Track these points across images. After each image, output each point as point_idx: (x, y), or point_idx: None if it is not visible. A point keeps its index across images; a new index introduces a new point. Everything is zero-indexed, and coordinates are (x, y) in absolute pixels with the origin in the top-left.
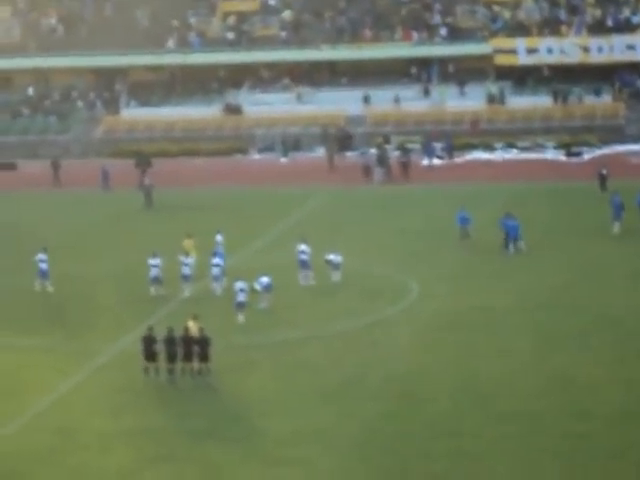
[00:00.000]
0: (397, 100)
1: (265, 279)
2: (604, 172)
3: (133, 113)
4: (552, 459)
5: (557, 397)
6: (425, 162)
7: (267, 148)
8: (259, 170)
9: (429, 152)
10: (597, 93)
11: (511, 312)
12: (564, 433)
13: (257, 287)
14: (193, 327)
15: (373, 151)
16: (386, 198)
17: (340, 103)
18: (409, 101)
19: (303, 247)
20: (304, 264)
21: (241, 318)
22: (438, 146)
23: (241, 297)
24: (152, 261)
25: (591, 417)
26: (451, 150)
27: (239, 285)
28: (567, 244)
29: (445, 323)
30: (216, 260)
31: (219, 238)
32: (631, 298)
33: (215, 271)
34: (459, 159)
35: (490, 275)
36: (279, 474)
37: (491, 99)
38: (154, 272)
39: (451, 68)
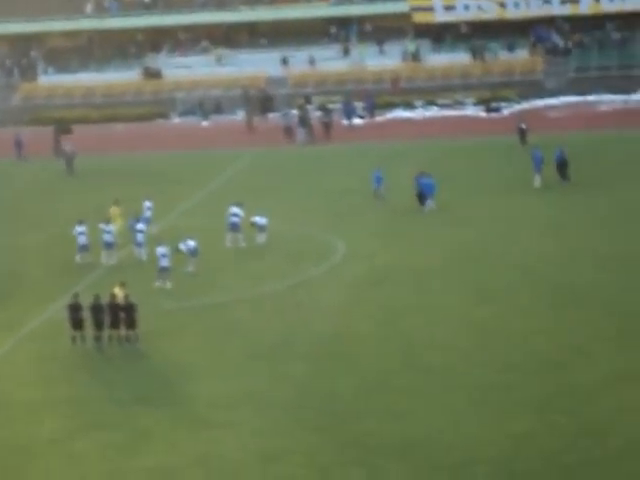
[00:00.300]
0: (312, 61)
1: (191, 243)
2: (523, 126)
3: (51, 80)
4: (478, 410)
5: (482, 350)
6: (345, 122)
7: (188, 112)
8: (181, 134)
9: (349, 112)
10: (514, 48)
11: (436, 268)
12: (489, 385)
13: (182, 248)
14: (119, 294)
15: (295, 112)
16: (309, 159)
17: (260, 65)
18: (329, 61)
19: (236, 210)
20: (235, 226)
21: (165, 283)
22: (359, 105)
23: (164, 262)
24: (79, 228)
25: (514, 368)
26: (373, 109)
27: (161, 250)
28: (489, 199)
29: (371, 282)
30: (139, 226)
31: (147, 204)
32: (554, 250)
33: (139, 237)
34: (380, 118)
35: (414, 233)
36: (211, 437)
37: (410, 57)
38: (81, 240)
39: (370, 27)
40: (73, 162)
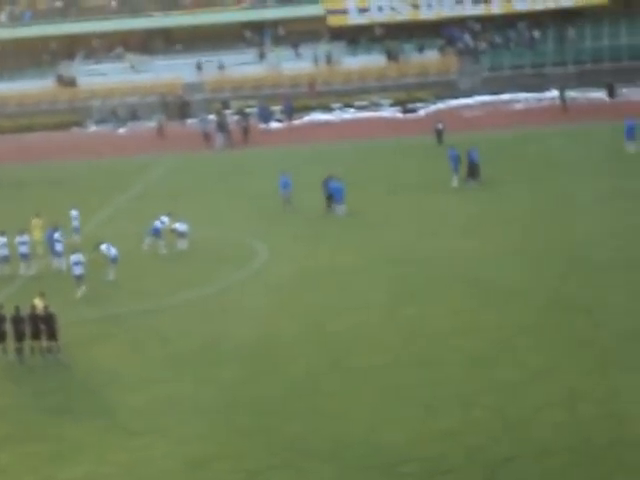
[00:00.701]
0: (221, 67)
1: (112, 250)
2: (440, 127)
3: None
4: (405, 409)
5: (408, 349)
6: (262, 126)
7: (103, 120)
8: (97, 142)
9: (266, 116)
10: (428, 49)
11: (360, 269)
12: (416, 383)
13: (103, 248)
14: (39, 304)
15: (212, 117)
16: (228, 163)
17: (176, 71)
18: (245, 65)
19: (164, 219)
20: (156, 232)
21: (81, 291)
22: (277, 109)
23: (77, 270)
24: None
25: (440, 366)
26: (290, 112)
27: (74, 258)
28: (409, 199)
29: (296, 284)
30: (57, 235)
31: (74, 213)
32: (474, 248)
33: (58, 247)
34: (298, 121)
35: (336, 235)
36: (139, 445)
37: (325, 60)
38: (2, 251)
39: (285, 31)
40: None
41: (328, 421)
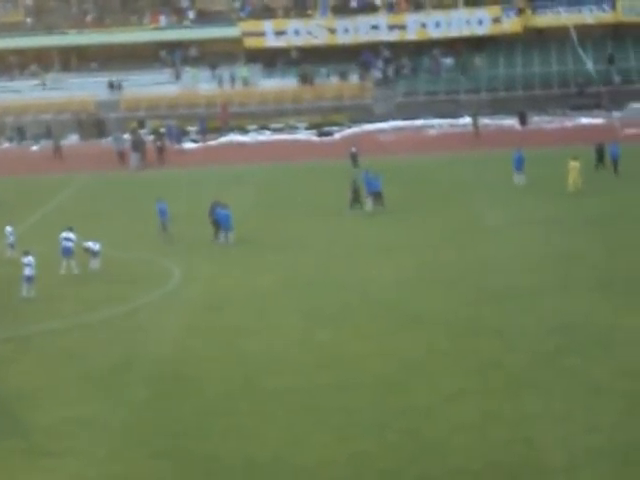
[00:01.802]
0: (115, 86)
1: (27, 268)
2: (354, 150)
3: None
4: (319, 432)
5: (321, 372)
6: (176, 146)
7: (16, 136)
8: (11, 159)
9: (175, 136)
10: (343, 74)
11: (274, 292)
12: (330, 407)
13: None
14: None
15: (127, 136)
16: (142, 184)
17: (91, 88)
18: (160, 85)
19: (68, 235)
20: (68, 251)
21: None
22: (193, 129)
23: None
24: None
25: (353, 390)
26: (205, 133)
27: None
28: (322, 222)
29: (210, 305)
30: None
31: (9, 229)
32: (387, 272)
33: None
34: (214, 142)
35: (249, 258)
36: (49, 466)
37: (241, 82)
38: None
39: (201, 51)
40: None
41: (242, 441)
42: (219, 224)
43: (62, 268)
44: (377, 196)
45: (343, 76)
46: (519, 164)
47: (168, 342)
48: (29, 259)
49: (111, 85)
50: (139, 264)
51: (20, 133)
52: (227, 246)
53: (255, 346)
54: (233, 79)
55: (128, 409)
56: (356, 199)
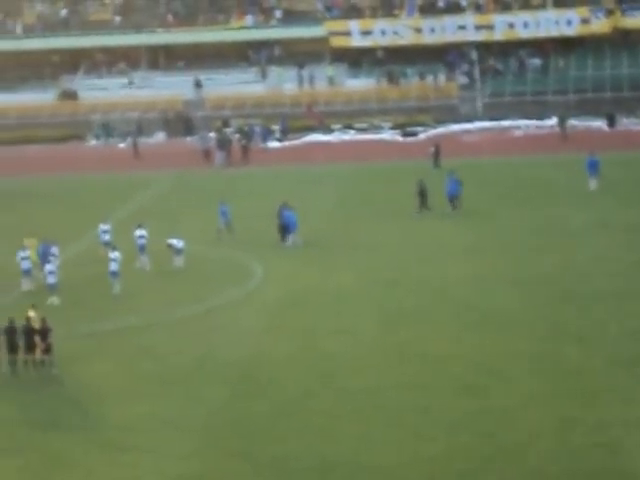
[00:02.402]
0: (221, 84)
1: (113, 264)
2: (433, 150)
3: None
4: (395, 433)
5: (399, 372)
6: (262, 145)
7: (105, 134)
8: (97, 157)
9: (260, 135)
10: (429, 74)
11: (353, 292)
12: (406, 407)
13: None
14: (34, 317)
15: (212, 135)
16: (227, 181)
17: (178, 87)
18: (247, 84)
19: (140, 232)
20: (142, 248)
21: (54, 300)
22: (276, 128)
23: (51, 279)
24: None
25: (431, 391)
26: (286, 132)
27: (49, 267)
28: (403, 222)
29: (289, 305)
30: (54, 250)
31: (103, 227)
32: (467, 274)
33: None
34: (298, 141)
35: (329, 257)
36: (126, 462)
37: (328, 81)
38: None
39: (287, 51)
40: None
41: (316, 442)
42: (287, 227)
43: (138, 262)
44: (454, 199)
45: (429, 76)
46: (593, 169)
47: (246, 342)
48: (115, 255)
49: (197, 83)
50: (223, 262)
51: (107, 131)
52: (298, 248)
53: (332, 346)
54: (312, 79)
55: (206, 408)
56: (423, 202)
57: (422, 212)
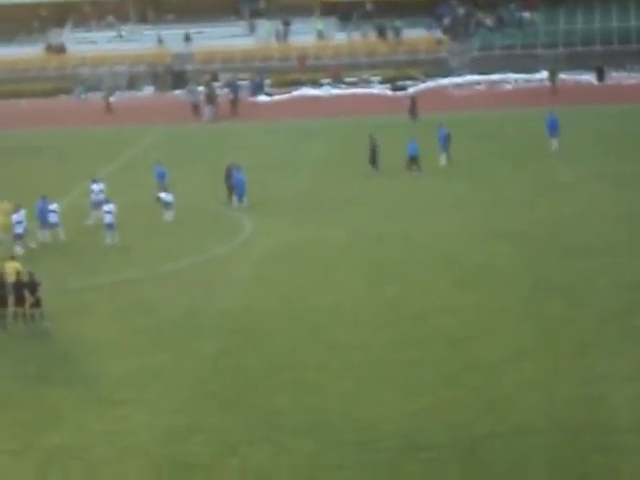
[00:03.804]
0: (211, 38)
1: (109, 216)
2: (412, 103)
3: None
4: (384, 387)
5: (388, 327)
6: (251, 99)
7: (92, 88)
8: (86, 110)
9: (255, 89)
10: (418, 27)
11: (342, 246)
12: (395, 361)
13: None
14: (10, 267)
15: (201, 89)
16: (215, 135)
17: (166, 41)
18: (235, 38)
19: (99, 187)
20: (95, 205)
21: (18, 250)
22: (267, 82)
23: (19, 229)
24: None
25: (419, 345)
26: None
27: (16, 217)
28: (392, 178)
29: (279, 259)
30: (53, 206)
31: (95, 187)
32: (455, 228)
33: (52, 218)
34: (287, 95)
35: (318, 210)
36: (118, 415)
37: (317, 35)
38: None
39: (277, 4)
40: None
41: (307, 396)
42: (234, 188)
43: (91, 219)
44: (414, 160)
45: (418, 30)
46: (553, 129)
47: (236, 295)
48: (110, 207)
49: (187, 37)
50: (212, 216)
51: (87, 86)
52: (242, 209)
53: (322, 300)
54: (281, 35)
55: (196, 361)
56: (374, 160)
57: (373, 170)
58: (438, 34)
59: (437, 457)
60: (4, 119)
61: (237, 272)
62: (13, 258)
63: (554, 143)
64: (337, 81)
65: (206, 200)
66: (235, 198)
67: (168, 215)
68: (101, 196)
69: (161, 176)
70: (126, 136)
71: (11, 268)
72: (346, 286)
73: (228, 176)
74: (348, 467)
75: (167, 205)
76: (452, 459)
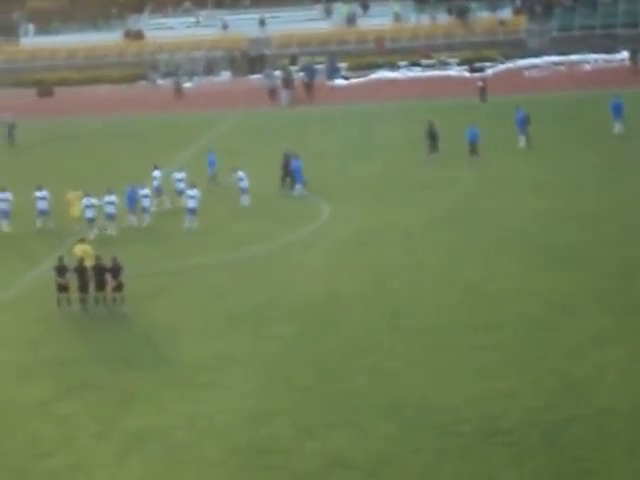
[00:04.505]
0: (287, 22)
1: (192, 201)
2: (480, 84)
3: (33, 41)
4: (464, 370)
5: (468, 310)
6: (328, 82)
7: (170, 73)
8: (164, 96)
9: (332, 72)
10: (497, 8)
11: (422, 229)
12: (476, 345)
13: (239, 176)
14: (79, 249)
15: (278, 73)
16: (293, 120)
17: (243, 26)
18: (312, 21)
19: (156, 174)
20: (157, 191)
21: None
22: (343, 66)
23: (89, 213)
24: (38, 194)
25: (500, 328)
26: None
27: (190, 193)
28: (472, 159)
29: (357, 242)
30: (144, 191)
31: (156, 173)
32: (537, 210)
33: (145, 202)
34: (364, 78)
35: (397, 194)
36: (198, 398)
37: (394, 18)
38: (41, 205)
39: None
40: (14, 131)
41: (386, 379)
42: (292, 175)
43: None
44: (473, 146)
45: (496, 10)
46: (618, 112)
47: (314, 279)
48: (194, 192)
49: (262, 22)
50: (290, 200)
51: (159, 72)
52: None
53: (401, 284)
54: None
55: (275, 345)
56: (434, 145)
57: (431, 155)
58: (504, 14)
59: (516, 441)
60: (83, 105)
61: (315, 257)
62: (83, 240)
63: (617, 126)
64: (381, 49)
65: (284, 186)
66: (296, 186)
67: (244, 200)
68: (181, 184)
69: (212, 164)
70: (203, 121)
71: (80, 250)
72: (424, 269)
73: (286, 164)
74: (426, 450)
75: (243, 190)
76: (531, 443)
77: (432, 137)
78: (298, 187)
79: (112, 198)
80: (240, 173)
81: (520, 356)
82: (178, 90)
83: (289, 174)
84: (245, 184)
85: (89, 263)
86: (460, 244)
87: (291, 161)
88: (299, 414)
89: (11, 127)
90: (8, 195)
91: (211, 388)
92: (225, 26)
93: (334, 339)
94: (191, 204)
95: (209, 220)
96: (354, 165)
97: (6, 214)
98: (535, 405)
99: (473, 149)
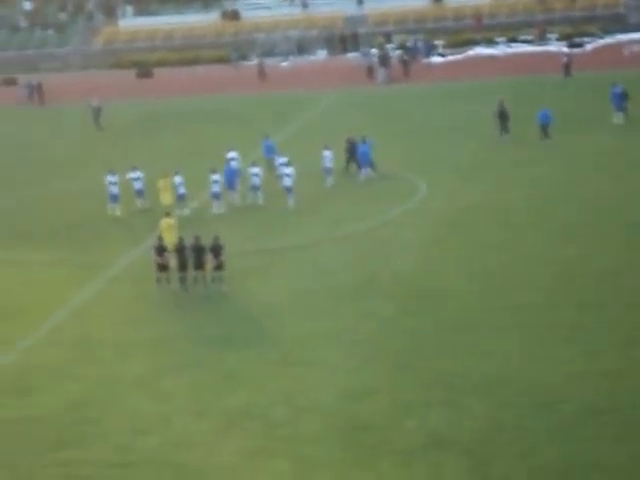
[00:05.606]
0: (360, 1)
1: (287, 179)
2: (565, 60)
3: (131, 23)
4: (564, 349)
5: (568, 288)
6: (424, 60)
7: (267, 53)
8: (241, 77)
9: (423, 51)
10: None
11: (518, 207)
12: (577, 323)
13: (286, 172)
14: (165, 222)
15: (374, 51)
16: (390, 98)
17: (339, 4)
18: None
19: (327, 153)
20: (328, 171)
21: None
22: (440, 43)
23: (216, 188)
24: (111, 178)
25: (602, 306)
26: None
27: (287, 171)
28: (568, 137)
29: (454, 220)
30: (255, 170)
31: (232, 154)
32: (631, 187)
33: (255, 180)
34: (461, 56)
35: (493, 172)
36: (296, 375)
37: None
38: (113, 190)
39: None
40: (100, 116)
41: (484, 357)
42: (361, 161)
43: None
44: (544, 129)
45: None
46: (618, 101)
47: (411, 257)
48: (290, 170)
49: (359, 1)
50: (387, 179)
51: (241, 54)
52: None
53: (499, 261)
54: None
55: (373, 323)
56: (504, 126)
57: (503, 136)
58: None
59: (617, 420)
60: (182, 86)
61: (413, 234)
62: (169, 215)
63: (619, 115)
64: (479, 25)
65: (381, 163)
66: (362, 170)
67: (329, 182)
68: (281, 168)
69: (269, 150)
70: (302, 100)
71: (165, 223)
72: (522, 247)
73: (350, 148)
74: (525, 429)
75: (328, 170)
76: (634, 423)
77: (503, 117)
78: (364, 171)
79: (216, 177)
80: (327, 152)
81: (622, 335)
82: (261, 70)
83: (354, 159)
84: (330, 164)
85: (170, 239)
86: (558, 222)
87: (357, 146)
88: (396, 392)
89: (96, 111)
90: (139, 174)
91: (310, 365)
92: (321, 5)
93: (432, 316)
94: (287, 182)
95: (307, 199)
96: (450, 142)
97: (141, 193)
98: (638, 385)
99: (545, 131)
